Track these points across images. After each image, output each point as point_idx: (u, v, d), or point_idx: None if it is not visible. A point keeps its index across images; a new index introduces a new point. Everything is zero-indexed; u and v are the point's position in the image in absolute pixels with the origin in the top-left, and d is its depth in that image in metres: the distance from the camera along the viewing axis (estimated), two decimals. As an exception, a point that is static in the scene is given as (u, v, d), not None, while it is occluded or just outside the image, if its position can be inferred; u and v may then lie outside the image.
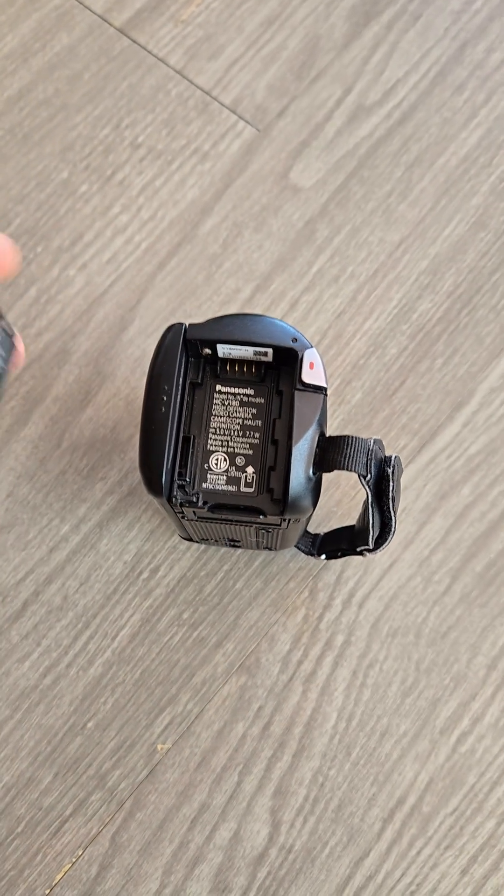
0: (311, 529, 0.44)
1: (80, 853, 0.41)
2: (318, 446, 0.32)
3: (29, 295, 0.48)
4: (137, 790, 0.42)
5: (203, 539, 0.41)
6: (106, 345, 0.47)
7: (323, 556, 0.42)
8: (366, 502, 0.33)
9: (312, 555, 0.42)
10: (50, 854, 0.41)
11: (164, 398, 0.32)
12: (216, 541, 0.41)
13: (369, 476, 0.31)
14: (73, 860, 0.41)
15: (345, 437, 0.32)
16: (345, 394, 0.46)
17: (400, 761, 0.42)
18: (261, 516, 0.33)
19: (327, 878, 0.41)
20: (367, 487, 0.32)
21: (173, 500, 0.32)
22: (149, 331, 0.48)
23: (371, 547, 0.35)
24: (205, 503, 0.33)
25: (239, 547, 0.43)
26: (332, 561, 0.44)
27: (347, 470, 0.31)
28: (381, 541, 0.35)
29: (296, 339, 0.33)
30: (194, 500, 0.32)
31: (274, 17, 0.53)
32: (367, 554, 0.36)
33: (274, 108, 0.52)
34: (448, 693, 0.43)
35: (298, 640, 0.43)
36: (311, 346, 0.33)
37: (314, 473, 0.32)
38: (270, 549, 0.43)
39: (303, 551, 0.42)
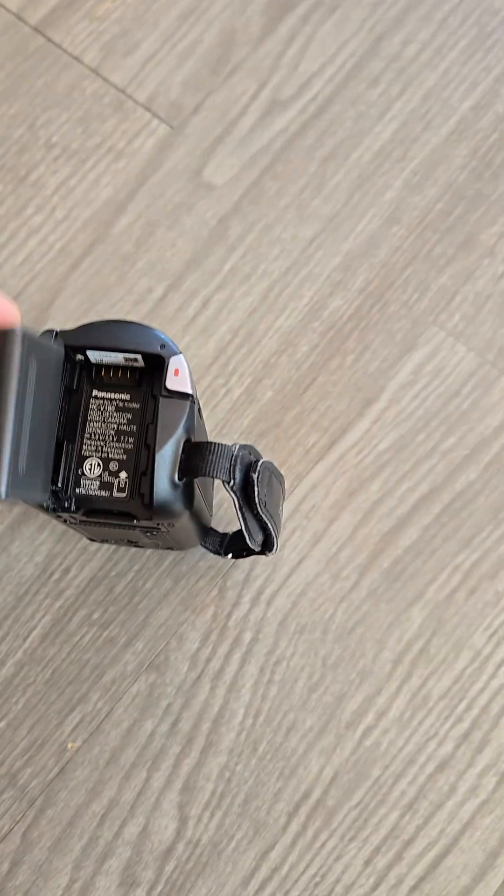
0: (220, 529, 0.44)
1: None
2: (183, 451, 0.32)
3: None
4: (48, 788, 0.42)
5: (104, 540, 0.42)
6: (18, 347, 0.47)
7: (230, 556, 0.42)
8: (234, 507, 0.33)
9: (220, 554, 0.42)
10: (-37, 851, 0.42)
11: None
12: (116, 541, 0.42)
13: (233, 482, 0.32)
14: (-15, 857, 0.42)
15: (207, 443, 0.32)
16: (255, 392, 0.47)
17: (305, 756, 0.43)
18: (134, 520, 0.33)
19: (233, 870, 0.41)
20: (232, 493, 0.32)
21: (45, 505, 0.32)
22: (61, 332, 0.48)
23: (260, 551, 0.36)
24: (78, 508, 0.33)
25: (141, 547, 0.43)
26: (241, 560, 0.44)
27: (210, 476, 0.31)
28: (267, 545, 0.36)
29: (163, 346, 0.33)
30: (66, 505, 0.33)
31: (190, 11, 0.53)
32: (269, 554, 0.37)
33: (189, 104, 0.51)
34: (354, 688, 0.43)
35: (207, 637, 0.44)
36: (178, 353, 0.33)
37: (180, 479, 0.32)
38: (173, 549, 0.43)
39: (210, 551, 0.43)
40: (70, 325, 0.48)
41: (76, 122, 0.51)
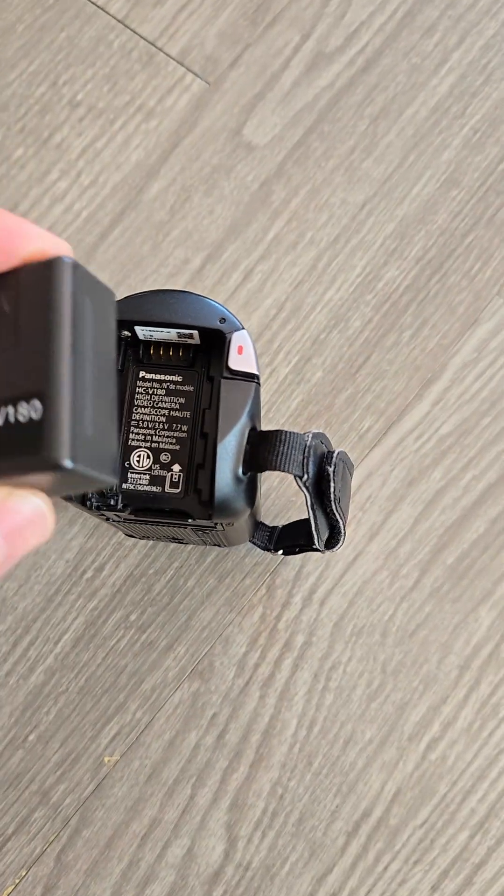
0: (268, 522, 0.41)
1: (23, 874, 0.38)
2: (248, 442, 0.28)
3: (-40, 271, 0.44)
4: (83, 806, 0.39)
5: (144, 536, 0.38)
6: (44, 324, 0.43)
7: (280, 552, 0.38)
8: (306, 504, 0.30)
9: (269, 550, 0.38)
10: (-8, 875, 0.38)
11: None
12: (157, 538, 0.38)
13: (306, 476, 0.28)
14: (17, 881, 0.38)
15: (277, 432, 0.28)
16: (304, 372, 0.43)
17: (365, 770, 0.39)
18: (189, 520, 0.29)
19: (288, 896, 0.38)
20: (304, 489, 0.28)
21: (88, 503, 0.28)
22: (90, 308, 0.44)
23: (321, 549, 0.32)
24: (125, 506, 0.29)
25: (183, 543, 0.39)
26: (291, 557, 0.40)
27: (280, 470, 0.27)
28: (332, 542, 0.32)
29: (223, 320, 0.29)
30: (112, 503, 0.29)
31: (225, -44, 0.49)
32: (327, 552, 0.33)
33: (225, 58, 0.47)
34: (417, 696, 0.39)
35: (255, 641, 0.40)
36: (242, 328, 0.29)
37: (244, 473, 0.28)
38: (219, 546, 0.39)
39: (258, 546, 0.39)
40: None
41: (102, 79, 0.47)
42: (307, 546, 0.36)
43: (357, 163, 0.45)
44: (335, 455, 0.28)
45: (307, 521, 0.37)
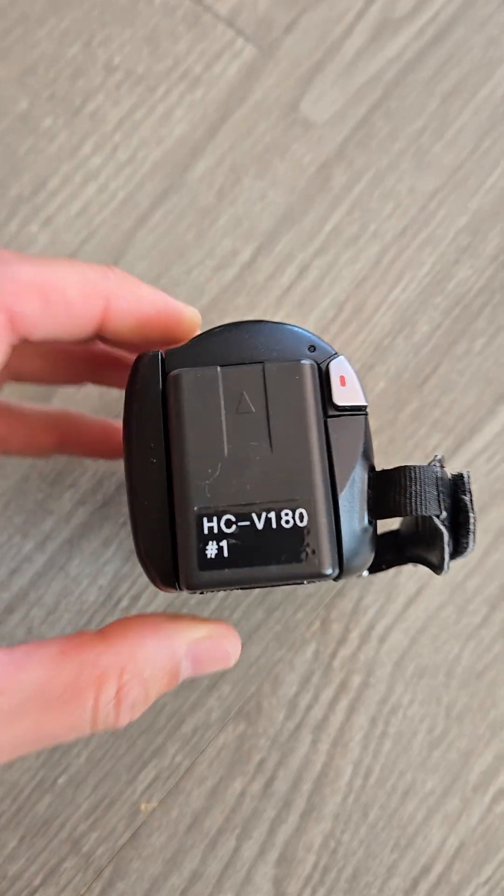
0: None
1: None
2: (369, 487, 0.25)
3: (-19, 257, 0.39)
4: (118, 856, 0.35)
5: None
6: (75, 320, 0.39)
7: (364, 572, 0.34)
8: (435, 535, 0.26)
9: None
10: (15, 929, 0.35)
11: (153, 459, 0.25)
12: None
13: (445, 514, 0.24)
14: (43, 937, 0.35)
15: (403, 469, 0.24)
16: (366, 381, 0.38)
17: (425, 823, 0.36)
18: (304, 582, 0.26)
19: None
20: (443, 527, 0.24)
21: (200, 587, 0.24)
22: (128, 302, 0.39)
23: (445, 569, 0.28)
24: (235, 582, 0.25)
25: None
26: (349, 588, 0.37)
27: (416, 514, 0.24)
28: (441, 566, 0.28)
29: (313, 348, 0.25)
30: (224, 578, 0.25)
31: None
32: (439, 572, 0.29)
33: (280, 21, 0.42)
34: (483, 744, 0.36)
35: (308, 680, 0.36)
36: (336, 353, 0.25)
37: (370, 522, 0.25)
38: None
39: None
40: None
41: (142, 41, 0.42)
42: (395, 560, 0.32)
43: (427, 146, 0.41)
44: (466, 479, 0.25)
45: (392, 533, 0.33)
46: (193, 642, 0.25)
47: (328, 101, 0.41)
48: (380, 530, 0.34)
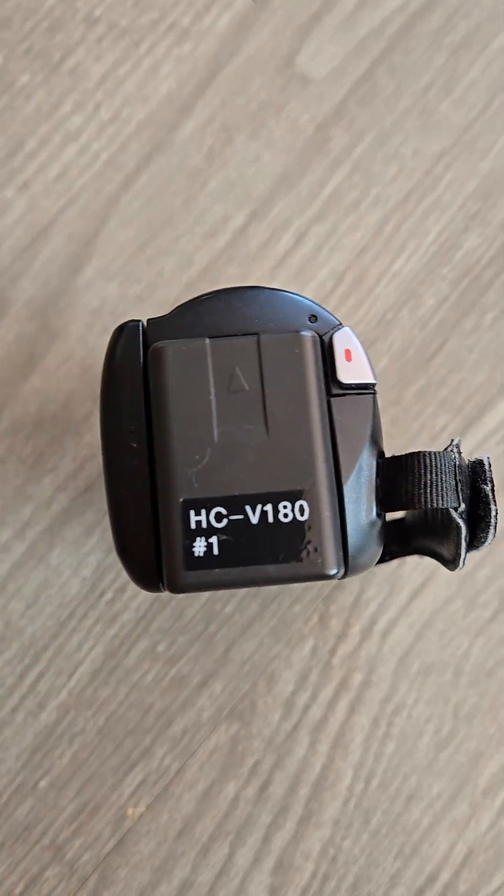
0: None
1: (32, 940, 0.33)
2: (378, 475, 0.22)
3: (-47, 224, 0.37)
4: (103, 864, 0.33)
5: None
6: (55, 291, 0.36)
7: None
8: (447, 526, 0.23)
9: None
10: (-5, 941, 0.33)
11: (133, 443, 0.22)
12: None
13: (463, 506, 0.21)
14: None
15: (416, 456, 0.22)
16: (367, 358, 0.36)
17: (431, 830, 0.34)
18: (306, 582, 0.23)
19: None
20: (461, 520, 0.22)
21: (186, 590, 0.22)
22: (110, 272, 0.36)
23: (460, 565, 0.25)
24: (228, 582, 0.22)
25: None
26: (349, 580, 0.34)
27: (432, 506, 0.21)
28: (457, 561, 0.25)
29: (315, 318, 0.23)
30: (214, 579, 0.22)
31: None
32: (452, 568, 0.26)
33: (276, -33, 0.39)
34: (494, 746, 0.34)
35: (305, 678, 0.34)
36: (340, 324, 0.23)
37: (378, 514, 0.22)
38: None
39: None
40: (121, 263, 0.36)
41: (126, -10, 0.39)
42: (399, 551, 0.30)
43: (434, 104, 0.38)
44: (487, 466, 0.22)
45: (397, 521, 0.30)
46: None
47: (327, 55, 0.38)
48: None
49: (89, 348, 0.36)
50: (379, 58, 0.38)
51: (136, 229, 0.37)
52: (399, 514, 0.31)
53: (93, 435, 0.35)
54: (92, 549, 0.35)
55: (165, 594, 0.29)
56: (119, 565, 0.34)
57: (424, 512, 0.28)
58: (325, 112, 0.38)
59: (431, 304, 0.36)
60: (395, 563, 0.34)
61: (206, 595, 0.34)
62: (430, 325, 0.36)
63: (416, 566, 0.35)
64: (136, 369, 0.22)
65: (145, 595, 0.34)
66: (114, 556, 0.34)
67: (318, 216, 0.37)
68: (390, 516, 0.31)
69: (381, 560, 0.31)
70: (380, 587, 0.35)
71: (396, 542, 0.30)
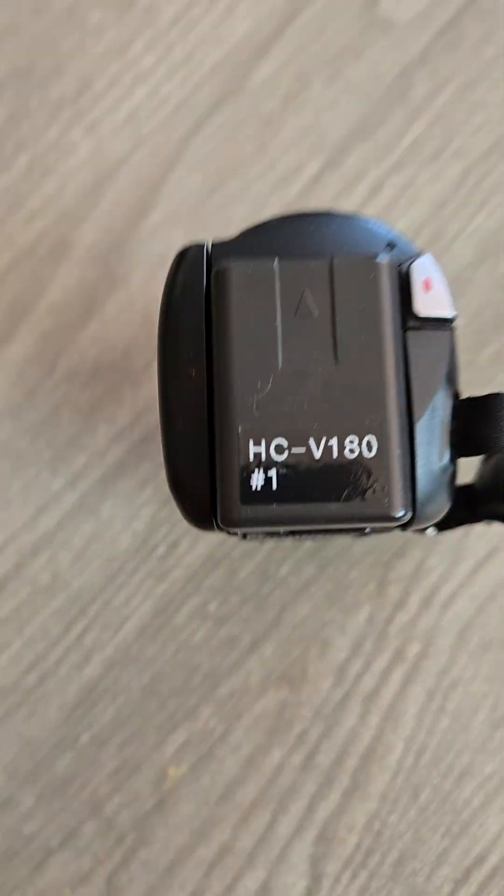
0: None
1: (67, 894, 0.32)
2: (453, 417, 0.21)
3: (18, 165, 0.36)
4: (142, 823, 0.33)
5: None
6: (119, 237, 0.35)
7: (430, 531, 0.30)
8: None
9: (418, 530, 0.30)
10: (30, 892, 0.32)
11: (192, 371, 0.21)
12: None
13: None
14: (59, 903, 0.32)
15: (497, 397, 0.20)
16: (439, 318, 0.34)
17: (482, 810, 0.32)
18: (368, 528, 0.22)
19: None
20: None
21: (241, 525, 0.21)
22: (176, 219, 0.35)
23: None
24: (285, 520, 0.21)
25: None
26: (411, 547, 0.33)
27: None
28: None
29: (393, 245, 0.21)
30: (272, 514, 0.21)
31: None
32: None
33: None
34: (553, 728, 0.32)
35: (359, 646, 0.33)
36: (420, 252, 0.21)
37: (452, 460, 0.21)
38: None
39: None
40: (188, 210, 0.35)
41: None
42: (468, 517, 0.28)
43: (523, 52, 0.36)
44: None
45: (466, 487, 0.29)
46: None
47: (412, -2, 0.36)
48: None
49: (150, 297, 0.35)
50: (467, 2, 0.36)
51: (204, 175, 0.36)
52: (467, 480, 0.30)
53: (151, 386, 0.34)
54: (145, 503, 0.34)
55: (224, 538, 0.27)
56: (173, 519, 0.33)
57: (496, 473, 0.26)
58: (407, 58, 0.36)
59: (511, 264, 0.34)
60: (459, 532, 0.33)
61: (260, 554, 0.33)
62: (509, 285, 0.34)
63: (482, 536, 0.33)
64: (199, 292, 0.21)
65: (198, 552, 0.33)
66: (167, 511, 0.34)
67: (395, 167, 0.35)
68: (460, 481, 0.30)
69: (447, 526, 0.29)
70: (442, 556, 0.33)
71: (465, 508, 0.29)
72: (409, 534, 0.32)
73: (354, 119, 0.35)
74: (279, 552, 0.33)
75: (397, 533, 0.28)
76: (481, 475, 0.28)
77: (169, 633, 0.33)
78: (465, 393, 0.32)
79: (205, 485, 0.21)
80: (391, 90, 0.36)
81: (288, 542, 0.33)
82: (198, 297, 0.21)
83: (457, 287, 0.34)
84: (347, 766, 0.32)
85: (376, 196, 0.35)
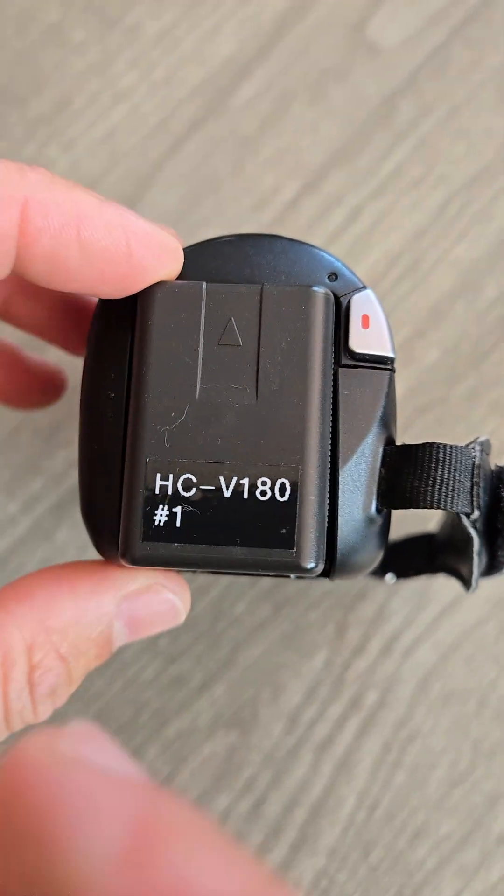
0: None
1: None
2: (383, 465, 0.19)
3: (-9, 179, 0.35)
4: (80, 865, 0.31)
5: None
6: (89, 256, 0.34)
7: (389, 577, 0.29)
8: (467, 542, 0.20)
9: (376, 575, 0.29)
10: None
11: (111, 392, 0.20)
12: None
13: (477, 513, 0.19)
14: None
15: (429, 447, 0.19)
16: (415, 349, 0.33)
17: (436, 873, 0.30)
18: (291, 576, 0.21)
19: None
20: (472, 530, 0.19)
21: (140, 563, 0.19)
22: (149, 240, 0.34)
23: (473, 586, 0.23)
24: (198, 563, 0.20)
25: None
26: (373, 590, 0.31)
27: (439, 507, 0.18)
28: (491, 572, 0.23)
29: (335, 276, 0.20)
30: (172, 554, 0.20)
31: None
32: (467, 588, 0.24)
33: None
34: (516, 789, 0.30)
35: (314, 691, 0.31)
36: (363, 286, 0.20)
37: (379, 510, 0.19)
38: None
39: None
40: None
41: None
42: (426, 567, 0.27)
43: (513, 80, 0.34)
44: None
45: (426, 536, 0.28)
46: (127, 597, 0.20)
47: (401, 23, 0.35)
48: (417, 531, 0.29)
49: (119, 318, 0.34)
50: (456, 28, 0.35)
51: (180, 195, 0.35)
52: (431, 528, 0.29)
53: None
54: (100, 530, 0.33)
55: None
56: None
57: (451, 526, 0.25)
58: (393, 83, 0.35)
59: (491, 297, 0.33)
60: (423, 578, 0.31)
61: (215, 590, 0.32)
62: (488, 319, 0.33)
63: (448, 582, 0.31)
64: (126, 312, 0.20)
65: (151, 583, 0.32)
66: (122, 539, 0.32)
67: (376, 192, 0.34)
68: (423, 528, 0.28)
69: (405, 574, 0.28)
70: (406, 600, 0.32)
71: (424, 558, 0.27)
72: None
73: (335, 143, 0.34)
74: (233, 587, 0.32)
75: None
76: (441, 526, 0.27)
77: (117, 667, 0.32)
78: (435, 431, 0.31)
79: (114, 515, 0.20)
80: (375, 115, 0.35)
81: (208, 576, 0.32)
82: (125, 314, 0.20)
83: (433, 318, 0.33)
84: (296, 818, 0.31)
85: (355, 221, 0.34)
